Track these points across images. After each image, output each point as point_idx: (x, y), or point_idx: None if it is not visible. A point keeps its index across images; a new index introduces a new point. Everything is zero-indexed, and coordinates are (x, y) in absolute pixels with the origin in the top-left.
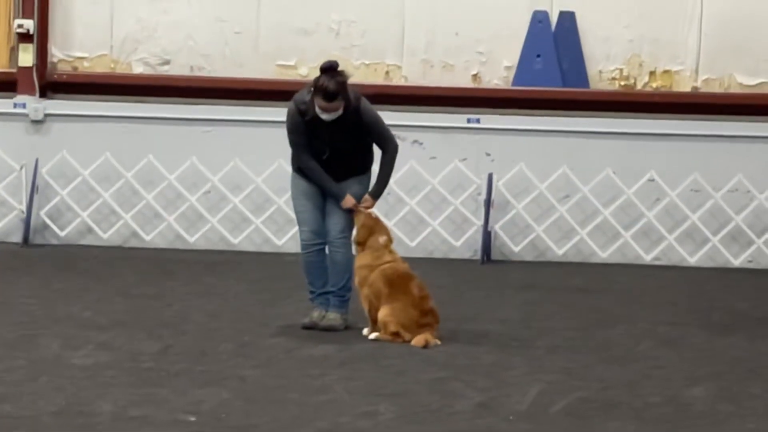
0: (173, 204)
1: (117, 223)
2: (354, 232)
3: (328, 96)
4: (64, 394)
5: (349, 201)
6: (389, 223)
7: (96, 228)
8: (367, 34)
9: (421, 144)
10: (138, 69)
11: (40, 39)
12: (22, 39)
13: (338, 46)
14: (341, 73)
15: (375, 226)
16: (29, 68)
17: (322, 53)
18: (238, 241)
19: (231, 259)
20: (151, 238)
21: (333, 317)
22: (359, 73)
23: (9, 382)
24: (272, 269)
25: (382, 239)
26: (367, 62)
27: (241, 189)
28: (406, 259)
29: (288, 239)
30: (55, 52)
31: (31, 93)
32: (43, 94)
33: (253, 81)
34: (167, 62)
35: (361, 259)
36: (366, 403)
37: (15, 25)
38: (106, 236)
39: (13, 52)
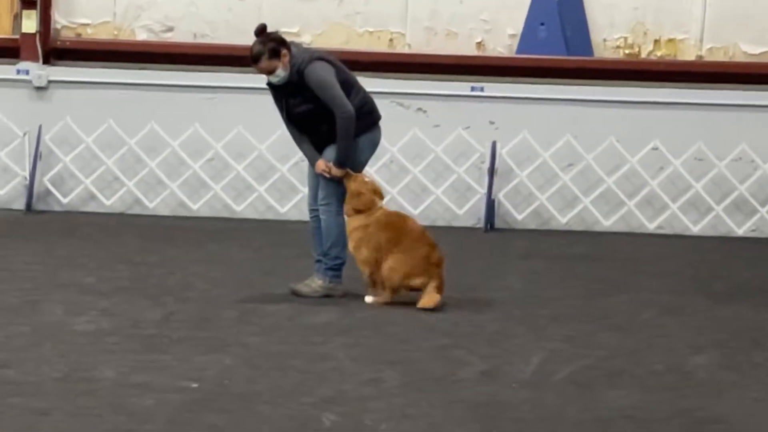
0: (176, 171)
1: (120, 190)
2: (352, 201)
3: (252, 59)
4: (66, 360)
5: (318, 165)
6: (393, 191)
7: (99, 195)
8: (370, 2)
9: (425, 112)
10: (141, 36)
11: (44, 5)
12: (26, 5)
13: (341, 13)
14: (268, 35)
15: (373, 191)
16: (32, 35)
17: (325, 20)
18: (241, 208)
19: (234, 227)
20: (154, 205)
21: (304, 283)
22: (363, 41)
23: (12, 347)
24: (275, 237)
25: (379, 202)
26: (370, 30)
27: (244, 156)
28: None
29: (291, 207)
30: (59, 19)
31: (35, 60)
32: (47, 61)
33: None
34: (170, 29)
35: (354, 222)
36: (369, 371)
37: None
38: (109, 203)
39: (17, 19)
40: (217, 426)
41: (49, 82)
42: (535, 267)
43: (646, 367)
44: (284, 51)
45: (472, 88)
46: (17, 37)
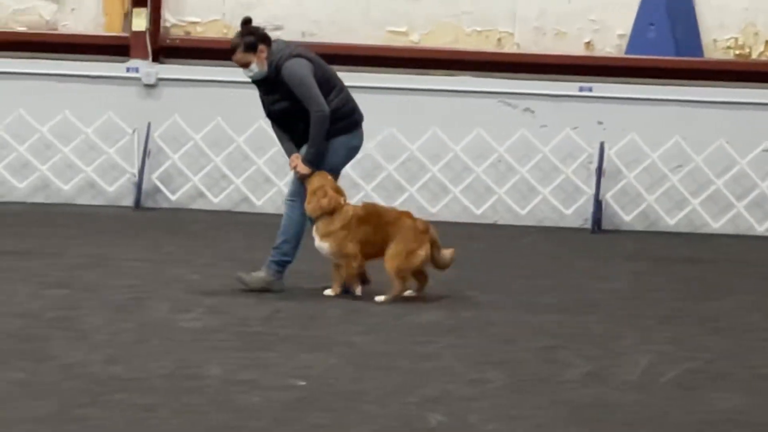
0: (283, 169)
1: (228, 187)
2: (312, 200)
3: (229, 50)
4: (173, 357)
5: (291, 161)
6: (500, 191)
7: (207, 192)
8: (479, 1)
9: (533, 112)
10: None
11: (154, 4)
12: (136, 4)
13: (449, 12)
14: (249, 28)
15: (337, 189)
16: (142, 33)
17: (432, 20)
18: None
19: None
20: (261, 203)
21: (251, 273)
22: (470, 40)
23: (119, 344)
24: None
25: (343, 200)
26: (478, 29)
27: None
28: (516, 228)
29: (397, 205)
30: (168, 17)
31: (144, 57)
32: (156, 59)
33: (363, 47)
34: (278, 28)
35: (331, 224)
36: (474, 371)
37: None
38: (217, 201)
39: (127, 17)
40: (322, 424)
41: (159, 79)
42: (642, 268)
43: (751, 370)
44: (262, 47)
45: (581, 88)
46: (128, 35)
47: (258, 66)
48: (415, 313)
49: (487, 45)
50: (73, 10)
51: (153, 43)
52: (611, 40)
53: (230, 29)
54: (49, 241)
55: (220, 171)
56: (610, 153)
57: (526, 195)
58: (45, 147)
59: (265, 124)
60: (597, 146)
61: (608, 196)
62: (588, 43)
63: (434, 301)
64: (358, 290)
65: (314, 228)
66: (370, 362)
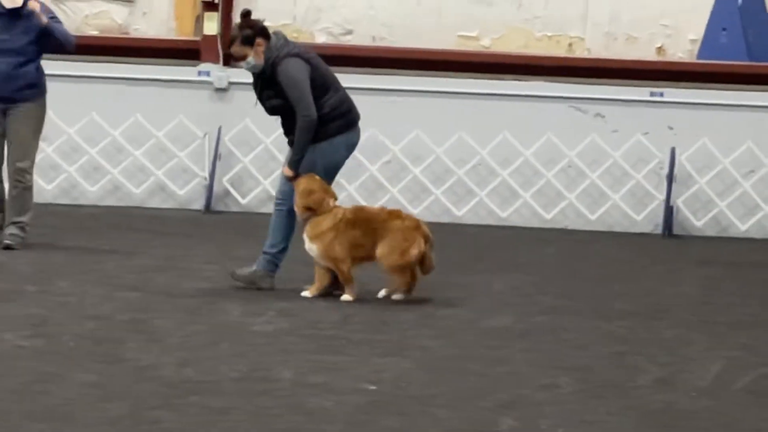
0: (353, 174)
1: None
2: (297, 197)
3: (228, 41)
4: (245, 360)
5: (285, 170)
6: (570, 196)
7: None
8: (550, 6)
9: (603, 117)
10: (320, 39)
11: (225, 7)
12: (207, 7)
13: (521, 17)
14: (249, 21)
15: (323, 190)
16: (214, 36)
17: (504, 24)
18: (417, 211)
19: None
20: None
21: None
22: (541, 45)
23: (191, 347)
24: (449, 239)
25: (332, 202)
26: (549, 34)
27: (421, 159)
28: (586, 233)
29: (467, 210)
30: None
31: (215, 61)
32: (227, 63)
33: (435, 52)
34: (349, 32)
35: (319, 226)
36: (546, 376)
37: None
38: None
39: (198, 21)
40: (394, 428)
41: (230, 83)
42: (713, 274)
43: None
44: (259, 40)
45: (652, 94)
46: (199, 39)
47: (255, 59)
48: (486, 317)
49: (558, 50)
50: (144, 14)
51: (224, 46)
52: (683, 45)
53: (301, 33)
54: (120, 244)
55: None
56: (681, 158)
57: (597, 200)
58: (117, 150)
59: None
60: (668, 151)
61: (679, 202)
62: (659, 48)
63: (505, 306)
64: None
65: (304, 230)
66: (442, 366)
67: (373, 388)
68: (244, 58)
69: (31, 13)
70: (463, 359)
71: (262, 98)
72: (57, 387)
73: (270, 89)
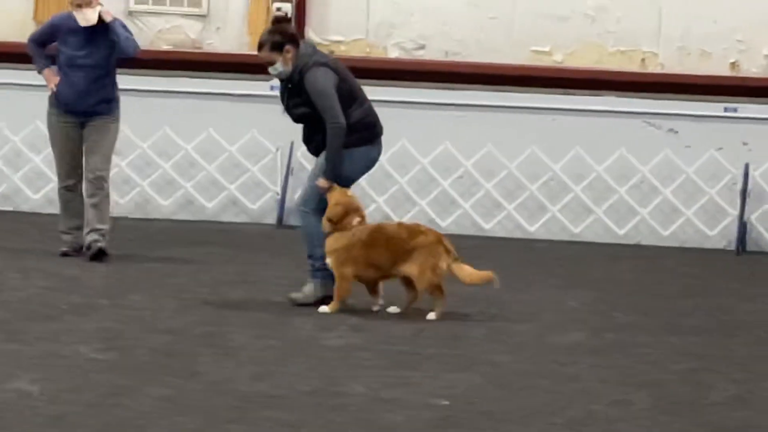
0: (425, 189)
1: (370, 206)
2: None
3: (257, 46)
4: (317, 374)
5: (320, 182)
6: (643, 212)
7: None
8: (622, 21)
9: (676, 132)
10: (393, 53)
11: (298, 22)
12: (280, 22)
13: (593, 32)
14: (279, 27)
15: (349, 206)
16: None
17: (577, 39)
18: (489, 226)
19: (481, 245)
20: (406, 219)
21: (301, 290)
22: (614, 60)
23: (264, 361)
24: (521, 255)
25: (356, 221)
26: (622, 49)
27: (493, 174)
28: (659, 249)
29: (539, 226)
30: (312, 36)
31: None
32: None
33: (507, 67)
34: (422, 47)
35: (334, 243)
36: (617, 392)
37: (273, 8)
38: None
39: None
40: None
41: None
42: None
43: None
44: (288, 47)
45: (725, 109)
46: None
47: (282, 65)
48: (558, 333)
49: (631, 65)
50: (218, 28)
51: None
52: (757, 60)
53: (373, 48)
54: (193, 258)
55: (363, 190)
56: (754, 174)
57: (670, 216)
58: (189, 165)
59: (409, 144)
60: (742, 167)
61: (753, 218)
62: (733, 64)
63: (577, 322)
64: (376, 306)
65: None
66: (514, 382)
67: (446, 403)
68: (272, 63)
69: (106, 28)
70: (534, 375)
71: (288, 106)
72: (131, 400)
73: (296, 97)
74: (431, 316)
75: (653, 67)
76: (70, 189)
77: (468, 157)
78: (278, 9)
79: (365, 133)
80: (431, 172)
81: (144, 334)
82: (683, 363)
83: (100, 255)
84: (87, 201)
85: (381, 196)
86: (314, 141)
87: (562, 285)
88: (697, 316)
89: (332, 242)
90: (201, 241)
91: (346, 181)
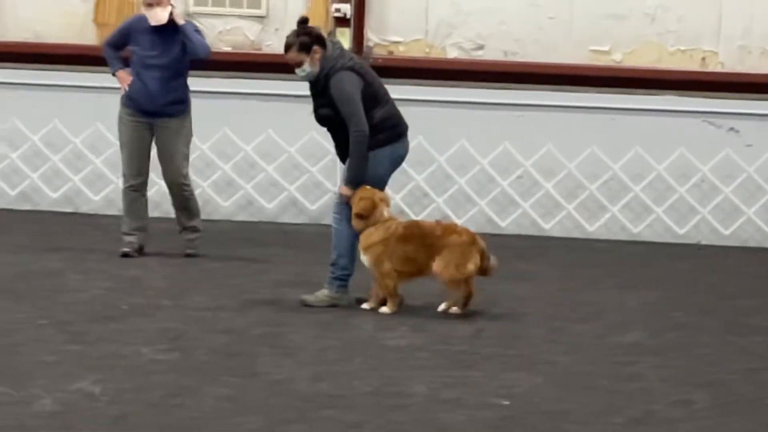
0: (485, 188)
1: (429, 206)
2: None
3: (284, 48)
4: (377, 374)
5: (342, 190)
6: (704, 211)
7: (408, 211)
8: (683, 20)
9: (737, 131)
10: (452, 53)
11: (357, 23)
12: (339, 23)
13: (653, 31)
14: (305, 29)
15: (375, 197)
16: None
17: (636, 39)
18: (549, 226)
19: (540, 245)
20: (462, 222)
21: (315, 293)
22: (674, 59)
23: (325, 361)
24: (581, 255)
25: (386, 212)
26: (682, 48)
27: (553, 174)
28: (719, 248)
29: (599, 225)
30: (371, 37)
31: None
32: None
33: (566, 66)
34: (481, 47)
35: (370, 237)
36: (679, 392)
37: (332, 10)
38: (418, 218)
39: (330, 37)
40: None
41: None
42: None
43: None
44: (316, 48)
45: None
46: None
47: (310, 66)
48: (618, 333)
49: (691, 64)
50: (276, 30)
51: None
52: None
53: (433, 48)
54: (253, 259)
55: (422, 190)
56: None
57: (730, 215)
58: (249, 166)
59: (468, 144)
60: None
61: None
62: None
63: (637, 322)
64: (384, 308)
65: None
66: (574, 382)
67: (506, 403)
68: (300, 65)
69: (177, 29)
70: (594, 375)
71: (315, 106)
72: (192, 400)
73: (322, 98)
74: (442, 307)
75: (713, 66)
76: (135, 189)
77: (527, 157)
78: (337, 10)
79: (388, 134)
80: (490, 172)
81: (204, 334)
82: (744, 363)
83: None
84: (173, 204)
85: (440, 196)
86: (338, 142)
87: (622, 285)
88: (759, 315)
89: (366, 238)
90: (261, 242)
91: (377, 181)
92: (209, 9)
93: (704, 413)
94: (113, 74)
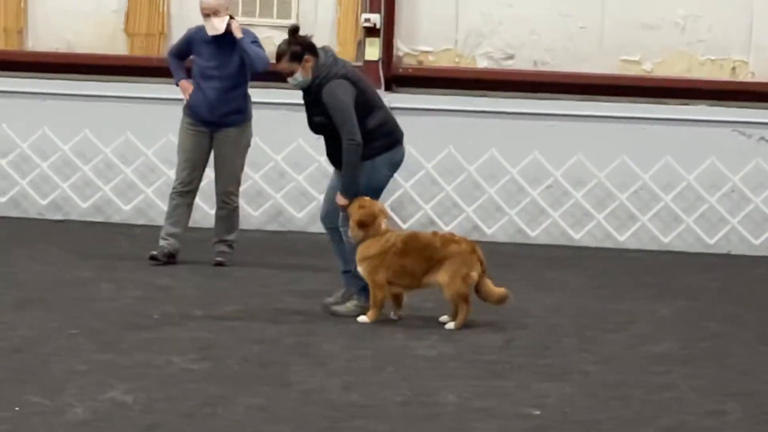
0: (514, 198)
1: (459, 216)
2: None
3: (275, 57)
4: (408, 384)
5: (338, 200)
6: (733, 221)
7: (438, 220)
8: (713, 29)
9: None
10: (482, 63)
11: (387, 33)
12: (369, 33)
13: (683, 41)
14: (297, 37)
15: (375, 208)
16: (375, 62)
17: (666, 48)
18: (579, 236)
19: (571, 254)
20: (492, 231)
21: (341, 303)
22: (704, 69)
23: (356, 371)
24: (612, 265)
25: (384, 223)
26: (713, 58)
27: (583, 184)
28: (750, 258)
29: (629, 235)
30: (401, 46)
31: (377, 86)
32: (389, 88)
33: (597, 76)
34: (511, 57)
35: (366, 250)
36: (712, 402)
37: (362, 20)
38: (448, 228)
39: (360, 46)
40: None
41: (391, 108)
42: None
43: None
44: (308, 57)
45: None
46: (360, 63)
47: (302, 75)
48: (649, 343)
49: (721, 74)
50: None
51: (386, 72)
52: None
53: (462, 58)
54: (284, 268)
55: (451, 200)
56: None
57: (761, 225)
58: (279, 175)
59: (498, 153)
60: None
61: None
62: None
63: (668, 332)
64: (395, 314)
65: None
66: (605, 392)
67: (537, 413)
68: (291, 74)
69: (236, 40)
70: (626, 385)
71: (309, 114)
72: (224, 410)
73: (315, 107)
74: (450, 325)
75: (744, 76)
76: (182, 194)
77: (557, 166)
78: (367, 20)
79: (384, 141)
80: (520, 181)
81: (236, 343)
82: None
83: (220, 264)
84: (216, 213)
85: (470, 205)
86: (334, 153)
87: (653, 294)
88: None
89: (364, 250)
90: (292, 252)
91: (376, 189)
92: (239, 19)
93: (738, 423)
94: (176, 84)
